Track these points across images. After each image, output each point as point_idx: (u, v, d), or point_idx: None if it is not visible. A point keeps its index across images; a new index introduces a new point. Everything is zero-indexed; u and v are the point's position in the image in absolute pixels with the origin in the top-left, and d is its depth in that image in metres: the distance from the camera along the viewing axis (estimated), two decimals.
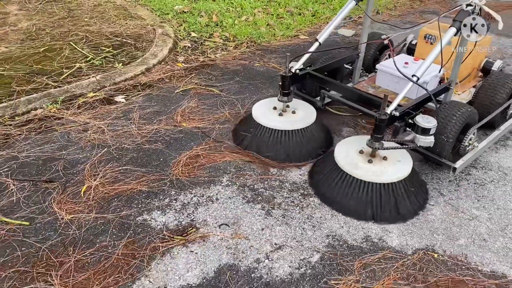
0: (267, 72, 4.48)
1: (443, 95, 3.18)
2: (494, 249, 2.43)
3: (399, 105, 2.67)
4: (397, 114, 2.63)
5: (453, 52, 3.04)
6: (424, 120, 2.63)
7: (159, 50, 4.68)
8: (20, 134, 3.24)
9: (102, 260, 2.26)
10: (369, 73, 3.97)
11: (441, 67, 3.02)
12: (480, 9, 2.78)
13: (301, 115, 3.17)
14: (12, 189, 2.70)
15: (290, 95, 3.12)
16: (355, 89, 3.45)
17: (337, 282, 2.18)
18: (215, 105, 3.76)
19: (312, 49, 3.25)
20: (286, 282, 2.17)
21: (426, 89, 2.80)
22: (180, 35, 5.25)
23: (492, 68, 3.65)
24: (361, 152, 2.74)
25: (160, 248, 2.33)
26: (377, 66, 3.53)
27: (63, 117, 3.49)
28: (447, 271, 2.28)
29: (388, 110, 2.60)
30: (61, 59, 4.36)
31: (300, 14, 6.30)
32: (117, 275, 2.17)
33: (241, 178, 2.89)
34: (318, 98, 3.54)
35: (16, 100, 3.55)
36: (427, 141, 2.64)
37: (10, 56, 4.35)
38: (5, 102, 3.55)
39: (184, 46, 5.02)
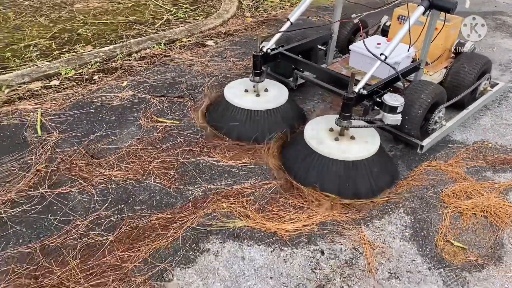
0: (324, 23, 5.18)
1: (413, 75, 3.21)
2: None
3: (368, 84, 2.70)
4: (364, 92, 2.65)
5: (421, 31, 3.04)
6: (391, 99, 2.64)
7: (228, 7, 5.39)
8: (140, 66, 3.97)
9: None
10: (343, 55, 3.93)
11: (410, 46, 3.00)
12: None
13: (273, 94, 3.16)
14: (154, 102, 3.44)
15: (262, 75, 3.09)
16: (325, 69, 3.41)
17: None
18: None
19: (284, 28, 3.23)
20: None
21: (393, 68, 2.81)
22: None
23: (463, 49, 3.63)
24: (330, 130, 2.78)
25: None
26: (350, 47, 3.50)
27: (169, 56, 4.21)
28: (500, 153, 3.05)
29: (356, 88, 2.61)
30: (149, 13, 5.06)
31: None
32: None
33: None
34: (291, 78, 3.51)
35: (127, 42, 4.26)
36: (395, 119, 2.67)
37: (105, 10, 5.05)
38: (119, 43, 4.26)
39: (248, 5, 5.71)
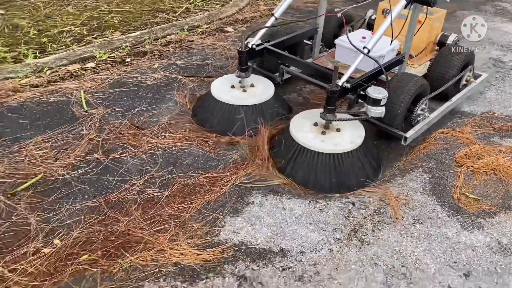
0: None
1: (397, 68, 3.27)
2: None
3: (352, 78, 2.73)
4: (348, 86, 2.66)
5: (403, 25, 3.10)
6: (375, 91, 2.67)
7: None
8: (168, 50, 4.24)
9: None
10: (329, 49, 3.92)
11: (392, 39, 3.09)
12: None
13: (260, 89, 3.20)
14: (185, 81, 3.71)
15: (247, 70, 3.11)
16: (310, 64, 3.44)
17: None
18: None
19: (269, 24, 3.24)
20: None
21: (376, 61, 2.79)
22: None
23: (447, 42, 3.68)
24: (315, 124, 2.78)
25: None
26: (336, 41, 3.52)
27: (193, 40, 4.48)
28: (506, 122, 3.36)
29: (340, 82, 2.63)
30: (169, 2, 5.33)
31: None
32: None
33: None
34: (277, 74, 3.50)
35: (153, 28, 4.53)
36: (378, 111, 2.69)
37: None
38: (145, 29, 4.53)
39: None
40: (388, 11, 3.35)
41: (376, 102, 2.66)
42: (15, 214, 2.34)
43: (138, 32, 4.45)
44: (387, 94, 2.67)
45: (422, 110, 3.02)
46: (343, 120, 2.71)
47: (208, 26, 4.82)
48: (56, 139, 2.93)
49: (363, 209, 2.51)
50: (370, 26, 3.99)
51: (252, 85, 3.22)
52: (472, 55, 3.48)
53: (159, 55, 4.15)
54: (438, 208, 2.54)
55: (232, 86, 3.19)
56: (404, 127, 3.00)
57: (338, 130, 2.74)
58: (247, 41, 3.13)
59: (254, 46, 3.15)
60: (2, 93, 3.37)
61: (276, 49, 3.26)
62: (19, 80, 3.54)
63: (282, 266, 2.15)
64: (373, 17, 3.99)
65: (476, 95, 3.75)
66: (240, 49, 3.03)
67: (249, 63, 3.11)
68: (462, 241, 2.33)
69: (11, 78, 3.56)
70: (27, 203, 2.41)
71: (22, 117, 3.12)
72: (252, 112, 3.06)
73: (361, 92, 2.75)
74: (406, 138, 2.90)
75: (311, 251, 2.23)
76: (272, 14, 3.21)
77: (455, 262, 2.21)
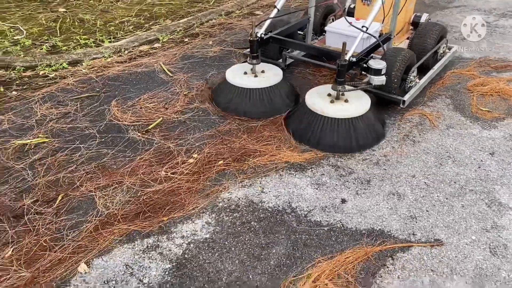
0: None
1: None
2: None
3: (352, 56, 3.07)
4: (354, 60, 3.02)
5: (390, 7, 3.56)
6: (375, 63, 3.05)
7: None
8: (215, 31, 5.04)
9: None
10: (318, 37, 4.32)
11: (384, 18, 3.52)
12: None
13: (270, 74, 3.50)
14: (239, 52, 4.52)
15: (258, 58, 3.43)
16: (317, 46, 3.80)
17: None
18: None
19: (272, 15, 3.57)
20: None
21: (375, 37, 3.31)
22: None
23: (420, 21, 4.14)
24: (328, 95, 3.14)
25: None
26: (326, 28, 3.91)
27: (232, 23, 5.29)
28: (499, 63, 4.28)
29: (346, 57, 2.98)
30: None
31: None
32: None
33: None
34: (281, 60, 3.84)
35: (197, 15, 5.32)
36: (380, 79, 3.06)
37: None
38: (190, 17, 5.31)
39: None
40: None
41: (377, 72, 3.04)
42: (155, 142, 3.10)
43: (185, 19, 5.23)
44: (386, 64, 3.06)
45: (413, 77, 3.45)
46: (351, 90, 3.07)
47: (240, 11, 5.64)
48: (158, 96, 3.69)
49: (408, 123, 3.37)
50: (350, 14, 4.35)
51: (262, 71, 3.52)
52: (445, 30, 3.99)
53: (209, 35, 4.94)
54: (462, 118, 3.42)
55: (245, 73, 3.49)
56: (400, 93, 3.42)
57: (346, 101, 3.09)
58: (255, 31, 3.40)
59: (262, 35, 3.47)
60: (96, 68, 4.10)
61: (282, 37, 3.63)
62: (105, 59, 4.28)
63: (361, 158, 2.98)
64: (352, 6, 4.39)
65: (473, 46, 4.68)
66: (251, 39, 3.34)
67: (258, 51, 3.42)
68: (484, 136, 3.21)
69: (98, 58, 4.29)
70: (160, 136, 3.17)
71: (122, 84, 3.87)
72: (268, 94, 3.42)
73: (364, 65, 3.14)
74: (404, 101, 3.32)
75: (379, 149, 3.07)
76: (275, 6, 3.57)
77: (482, 148, 3.08)
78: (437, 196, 2.65)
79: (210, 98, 3.65)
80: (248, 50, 3.61)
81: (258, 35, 3.42)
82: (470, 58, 4.43)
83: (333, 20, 4.34)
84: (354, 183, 2.75)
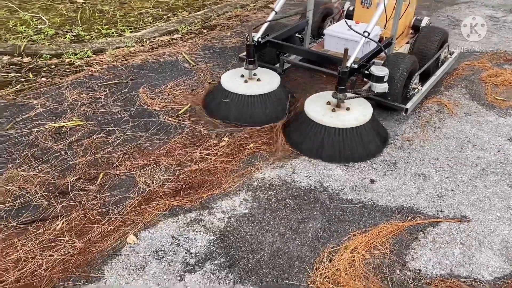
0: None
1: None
2: None
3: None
4: (355, 66, 2.89)
5: (393, 11, 3.40)
6: (378, 70, 2.94)
7: None
8: (232, 23, 5.16)
9: None
10: (316, 40, 4.18)
11: (386, 22, 3.38)
12: None
13: (267, 80, 3.31)
14: None
15: (255, 63, 3.26)
16: (314, 51, 3.66)
17: None
18: None
19: (270, 18, 3.42)
20: None
21: (377, 42, 3.18)
22: None
23: (421, 25, 4.02)
24: (328, 103, 2.98)
25: None
26: (325, 31, 3.76)
27: (248, 15, 5.41)
28: (510, 55, 4.42)
29: (348, 63, 2.82)
30: None
31: None
32: None
33: None
34: (278, 65, 3.61)
35: (213, 7, 5.43)
36: (382, 87, 2.96)
37: None
38: (206, 9, 5.42)
39: None
40: (367, 0, 3.81)
41: (379, 79, 2.95)
42: (186, 126, 3.21)
43: (202, 11, 5.34)
44: (388, 71, 2.95)
45: (415, 84, 3.32)
46: (352, 98, 2.90)
47: (254, 4, 5.75)
48: (184, 84, 3.79)
49: (427, 110, 3.50)
50: (348, 17, 4.17)
51: (256, 75, 3.34)
52: (446, 34, 3.84)
53: (226, 27, 5.06)
54: (479, 106, 3.56)
55: (242, 76, 3.34)
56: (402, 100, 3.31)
57: (348, 109, 2.94)
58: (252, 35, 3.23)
59: (259, 39, 3.33)
60: (120, 57, 4.20)
61: (279, 41, 3.46)
62: (128, 48, 4.38)
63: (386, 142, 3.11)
64: (350, 8, 4.25)
65: (483, 40, 4.82)
66: (248, 43, 3.18)
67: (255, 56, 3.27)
68: (501, 123, 3.35)
69: (121, 47, 4.39)
70: (191, 121, 3.27)
71: (147, 72, 3.97)
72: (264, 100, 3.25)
73: (366, 72, 3.02)
74: (407, 109, 3.20)
75: (402, 134, 3.20)
76: (272, 9, 3.46)
77: (500, 134, 3.22)
78: (461, 177, 2.78)
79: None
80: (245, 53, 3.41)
81: (255, 39, 3.29)
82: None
83: (331, 23, 4.25)
84: (381, 165, 2.88)
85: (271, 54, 3.74)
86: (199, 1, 5.71)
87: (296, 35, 3.95)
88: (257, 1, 5.85)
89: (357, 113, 2.90)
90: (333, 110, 2.89)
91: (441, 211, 2.51)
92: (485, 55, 4.43)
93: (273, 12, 3.42)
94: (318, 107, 2.94)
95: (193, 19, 5.10)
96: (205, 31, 4.91)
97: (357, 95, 2.93)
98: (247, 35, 3.22)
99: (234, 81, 3.29)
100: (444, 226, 2.40)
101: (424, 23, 4.06)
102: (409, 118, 3.38)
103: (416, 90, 3.36)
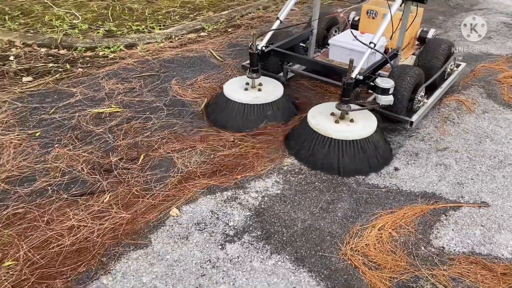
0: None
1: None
2: None
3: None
4: (361, 78, 2.84)
5: (399, 22, 3.31)
6: (383, 82, 2.88)
7: None
8: (255, 23, 5.37)
9: None
10: (320, 49, 4.15)
11: (393, 33, 3.34)
12: None
13: (270, 89, 3.31)
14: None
15: (258, 72, 3.24)
16: (319, 60, 3.62)
17: None
18: None
19: (274, 26, 3.41)
20: None
21: (383, 54, 3.12)
22: None
23: (427, 36, 3.94)
24: (332, 114, 2.94)
25: None
26: (330, 41, 3.73)
27: (270, 16, 5.63)
28: None
29: (353, 74, 2.79)
30: None
31: None
32: None
33: None
34: (281, 74, 3.64)
35: (236, 8, 5.64)
36: (388, 99, 2.90)
37: None
38: (230, 10, 5.63)
39: None
40: (372, 11, 3.80)
41: (385, 91, 2.89)
42: None
43: (226, 11, 5.55)
44: (394, 83, 2.90)
45: (421, 97, 3.24)
46: (356, 110, 2.88)
47: (275, 6, 5.96)
48: (213, 77, 3.99)
49: (446, 107, 3.66)
50: (354, 26, 4.09)
51: (260, 85, 3.34)
52: (453, 46, 3.76)
53: (250, 26, 5.26)
54: (495, 105, 3.72)
55: (246, 83, 3.33)
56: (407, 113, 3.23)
57: (352, 120, 2.90)
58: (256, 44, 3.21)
59: (263, 48, 3.30)
60: (152, 51, 4.42)
61: (283, 50, 3.43)
62: (158, 44, 4.59)
63: (408, 135, 3.27)
64: (356, 19, 4.17)
65: (498, 44, 4.99)
66: (252, 52, 3.16)
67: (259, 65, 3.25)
68: None
69: (151, 43, 4.60)
70: None
71: (178, 66, 4.17)
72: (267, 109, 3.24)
73: (371, 83, 2.97)
74: (412, 123, 3.11)
75: (423, 128, 3.37)
76: (277, 18, 3.42)
77: None
78: (480, 167, 2.94)
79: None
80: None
81: (259, 47, 3.25)
82: (497, 54, 4.74)
83: (336, 32, 4.23)
84: (404, 155, 3.04)
85: (275, 62, 3.70)
86: (223, 2, 5.93)
87: (301, 44, 3.94)
88: (279, 4, 6.05)
89: (359, 126, 2.87)
90: (337, 122, 2.88)
91: (461, 197, 2.67)
92: (501, 59, 4.59)
93: (278, 21, 3.41)
94: (322, 118, 2.92)
95: (218, 18, 5.31)
96: (230, 30, 5.12)
97: (362, 107, 2.92)
98: (250, 43, 3.22)
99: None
100: (465, 210, 2.56)
101: (430, 34, 3.98)
102: (429, 113, 3.54)
103: (421, 103, 3.29)
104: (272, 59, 3.60)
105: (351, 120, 2.89)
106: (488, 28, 5.47)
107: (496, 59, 4.58)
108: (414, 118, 3.12)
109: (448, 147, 3.15)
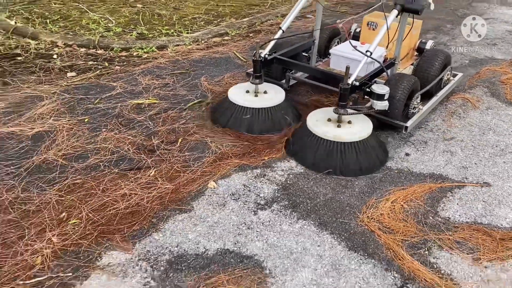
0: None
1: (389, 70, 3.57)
2: None
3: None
4: (357, 84, 3.00)
5: (395, 32, 3.44)
6: (379, 88, 3.02)
7: None
8: (274, 29, 5.75)
9: None
10: (322, 59, 4.29)
11: (388, 43, 3.38)
12: None
13: (272, 94, 3.46)
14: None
15: (261, 78, 3.38)
16: (319, 68, 3.77)
17: None
18: None
19: (277, 36, 3.55)
20: None
21: (379, 62, 3.27)
22: None
23: (426, 47, 4.06)
24: (328, 120, 3.07)
25: None
26: (331, 50, 3.88)
27: None
28: None
29: (349, 81, 2.93)
30: None
31: None
32: None
33: None
34: (284, 81, 3.80)
35: (256, 15, 6.05)
36: (383, 105, 3.04)
37: None
38: (251, 17, 6.04)
39: None
40: (373, 23, 3.96)
41: (380, 97, 3.03)
42: None
43: (247, 18, 5.96)
44: (389, 89, 3.04)
45: (416, 103, 3.41)
46: (352, 114, 3.02)
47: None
48: (238, 75, 4.37)
49: (453, 104, 4.00)
50: (355, 38, 4.27)
51: (265, 91, 3.48)
52: (449, 57, 3.93)
53: (270, 32, 5.66)
54: (499, 103, 4.05)
55: (247, 91, 3.47)
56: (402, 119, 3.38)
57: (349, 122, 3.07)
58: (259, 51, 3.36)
59: (266, 56, 3.45)
60: (181, 53, 4.82)
61: (286, 58, 3.60)
62: (186, 46, 5.00)
63: (417, 126, 3.61)
64: (357, 30, 4.33)
65: (503, 50, 5.32)
66: (255, 59, 3.32)
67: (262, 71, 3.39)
68: None
69: (180, 45, 5.01)
70: None
71: (205, 65, 4.56)
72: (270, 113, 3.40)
73: (367, 89, 3.09)
74: (406, 128, 3.26)
75: (432, 120, 3.70)
76: (280, 28, 3.56)
77: None
78: (483, 154, 3.26)
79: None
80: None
81: (262, 55, 3.40)
82: (501, 58, 5.07)
83: (338, 43, 4.38)
84: (413, 143, 3.37)
85: (277, 70, 3.85)
86: (244, 9, 6.35)
87: (303, 53, 4.10)
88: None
89: (355, 129, 3.03)
90: (339, 126, 3.02)
91: (466, 178, 2.99)
92: (505, 63, 4.92)
93: (280, 31, 3.55)
94: (320, 122, 3.08)
95: (240, 24, 5.72)
96: (251, 34, 5.52)
97: (358, 112, 3.09)
98: (254, 51, 3.38)
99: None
100: (469, 189, 2.88)
101: (428, 46, 4.09)
102: (437, 108, 3.88)
103: (417, 110, 3.45)
104: (276, 67, 3.76)
105: (349, 122, 3.07)
106: (494, 35, 5.83)
107: (500, 63, 4.91)
108: (409, 123, 3.30)
109: (454, 137, 3.47)
